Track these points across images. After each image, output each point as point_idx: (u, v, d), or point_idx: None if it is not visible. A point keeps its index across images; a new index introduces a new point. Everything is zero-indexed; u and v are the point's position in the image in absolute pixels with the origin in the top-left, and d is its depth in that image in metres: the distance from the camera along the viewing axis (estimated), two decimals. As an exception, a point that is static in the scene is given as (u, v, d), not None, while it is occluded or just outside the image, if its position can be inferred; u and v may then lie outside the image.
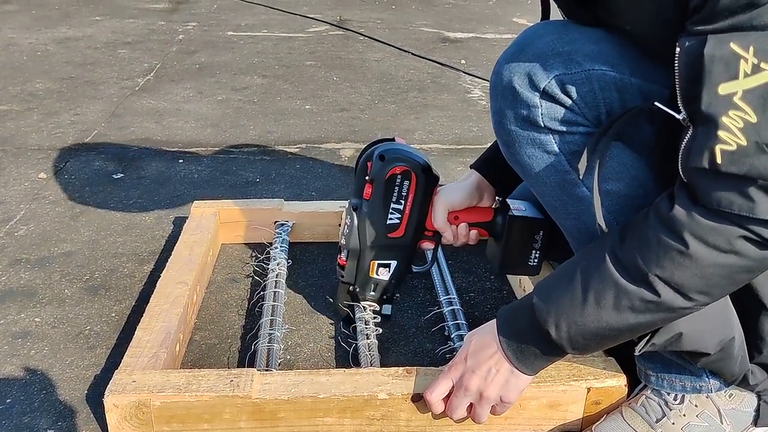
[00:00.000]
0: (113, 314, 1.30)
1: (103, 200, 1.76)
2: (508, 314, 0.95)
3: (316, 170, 1.96)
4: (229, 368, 1.13)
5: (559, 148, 0.93)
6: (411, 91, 2.70)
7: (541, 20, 1.01)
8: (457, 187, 1.16)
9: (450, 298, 1.27)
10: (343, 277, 1.16)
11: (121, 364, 1.02)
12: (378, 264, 1.15)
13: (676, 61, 0.75)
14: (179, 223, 1.57)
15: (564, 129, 0.91)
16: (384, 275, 1.16)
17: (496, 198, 1.17)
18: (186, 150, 2.10)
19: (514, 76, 0.91)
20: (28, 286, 1.38)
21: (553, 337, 0.87)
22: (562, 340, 0.87)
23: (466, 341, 0.98)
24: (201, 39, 3.41)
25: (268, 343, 1.14)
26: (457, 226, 1.13)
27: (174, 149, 2.10)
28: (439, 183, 1.14)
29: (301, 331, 1.25)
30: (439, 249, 1.39)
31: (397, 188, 1.10)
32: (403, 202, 1.11)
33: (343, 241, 1.14)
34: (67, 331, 1.24)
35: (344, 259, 1.14)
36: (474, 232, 1.13)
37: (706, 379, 0.97)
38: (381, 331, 1.17)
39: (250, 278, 1.41)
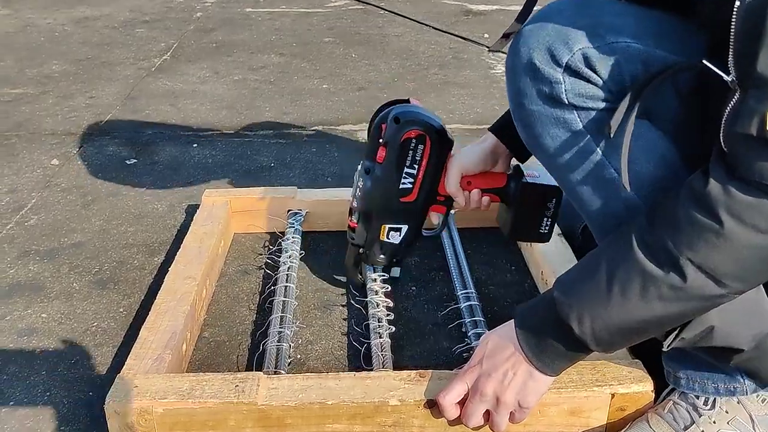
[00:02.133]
0: (121, 309, 1.26)
1: (116, 188, 1.72)
2: (527, 311, 0.90)
3: (332, 154, 1.90)
4: (237, 368, 1.10)
5: (584, 127, 0.87)
6: (432, 68, 2.63)
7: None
8: (472, 151, 1.12)
9: (468, 293, 1.21)
10: (353, 239, 1.15)
11: (123, 367, 0.99)
12: (389, 228, 1.13)
13: (734, 15, 0.68)
14: (191, 212, 1.53)
15: (590, 105, 0.86)
16: (395, 239, 1.14)
17: (511, 164, 1.13)
18: (201, 133, 2.06)
19: (534, 52, 0.86)
20: (37, 280, 1.35)
21: (576, 332, 0.82)
22: (585, 335, 0.82)
23: (482, 342, 0.93)
24: (219, 16, 3.35)
25: (278, 342, 1.09)
26: (469, 191, 1.10)
27: (188, 133, 2.06)
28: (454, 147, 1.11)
29: (312, 327, 1.20)
30: (458, 239, 1.35)
31: (411, 152, 1.06)
32: (416, 166, 1.07)
33: (354, 204, 1.12)
34: (74, 328, 1.21)
35: (355, 221, 1.13)
36: (486, 198, 1.10)
37: (741, 379, 0.91)
38: (393, 329, 1.12)
39: (262, 270, 1.37)
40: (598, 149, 0.88)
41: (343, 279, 1.32)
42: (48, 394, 1.07)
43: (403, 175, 1.09)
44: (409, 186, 1.09)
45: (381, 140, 1.07)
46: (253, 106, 2.26)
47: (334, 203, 1.47)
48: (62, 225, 1.55)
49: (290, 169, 1.82)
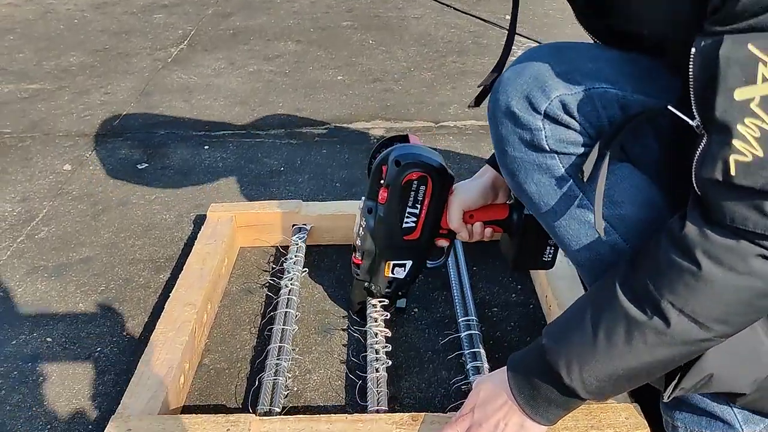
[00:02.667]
0: (125, 333, 1.27)
1: (126, 196, 1.73)
2: (519, 359, 0.89)
3: (342, 157, 1.88)
4: (236, 398, 1.11)
5: (567, 172, 0.86)
6: (450, 55, 2.58)
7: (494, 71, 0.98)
8: (472, 186, 1.11)
9: (468, 321, 1.19)
10: (358, 275, 1.16)
11: (118, 407, 1.00)
12: (393, 264, 1.14)
13: (691, 63, 0.68)
14: (199, 223, 1.53)
15: (571, 150, 0.85)
16: (399, 273, 1.15)
17: (512, 194, 1.11)
18: (212, 133, 2.05)
19: (512, 100, 0.85)
20: (44, 299, 1.37)
21: (565, 380, 0.81)
22: (574, 383, 0.80)
23: (475, 389, 0.92)
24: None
25: (274, 375, 1.09)
26: (472, 224, 1.10)
27: (200, 133, 2.05)
28: (456, 181, 1.11)
29: (312, 354, 1.20)
30: (460, 249, 1.33)
31: (413, 193, 1.07)
32: (419, 206, 1.08)
33: (358, 242, 1.12)
34: (77, 354, 1.23)
35: (359, 258, 1.13)
36: (489, 229, 1.11)
37: (739, 428, 0.89)
38: (390, 363, 1.11)
39: (266, 288, 1.37)
40: (581, 194, 0.87)
41: (344, 298, 1.31)
42: (48, 427, 1.08)
43: (406, 215, 1.09)
44: (413, 225, 1.09)
45: (382, 182, 1.06)
46: (266, 102, 2.25)
47: (338, 217, 1.45)
48: (72, 238, 1.57)
49: (299, 173, 1.81)
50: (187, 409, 1.10)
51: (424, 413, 0.96)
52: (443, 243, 1.14)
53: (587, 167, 0.81)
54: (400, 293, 1.19)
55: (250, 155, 1.91)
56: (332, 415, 0.97)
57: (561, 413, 0.86)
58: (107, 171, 1.85)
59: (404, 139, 1.12)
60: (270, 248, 1.48)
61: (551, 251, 1.10)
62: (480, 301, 1.29)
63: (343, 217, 1.45)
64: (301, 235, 1.43)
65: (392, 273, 1.14)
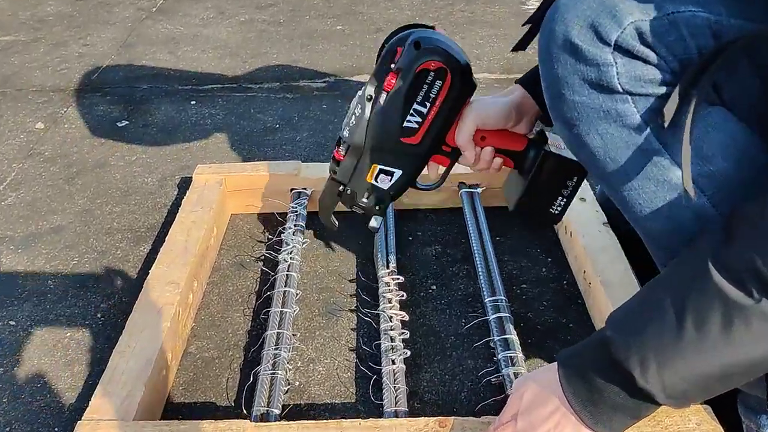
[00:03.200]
0: (99, 315, 1.11)
1: (103, 157, 1.55)
2: (573, 355, 0.72)
3: (344, 112, 1.69)
4: (227, 395, 0.95)
5: (642, 119, 0.69)
6: (458, 2, 2.38)
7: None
8: (495, 102, 0.93)
9: (496, 301, 1.03)
10: (335, 174, 0.97)
11: (87, 410, 0.84)
12: (380, 169, 0.95)
13: None
14: (185, 187, 1.36)
15: (648, 91, 0.68)
16: (384, 183, 0.96)
17: (535, 127, 0.95)
18: (200, 87, 1.86)
19: (573, 30, 0.68)
20: (9, 275, 1.20)
21: (639, 382, 0.65)
22: (650, 385, 0.65)
23: (517, 391, 0.76)
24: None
25: (272, 368, 0.93)
26: (481, 147, 0.92)
27: (187, 87, 1.86)
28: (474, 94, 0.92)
29: (316, 340, 1.04)
30: (485, 224, 1.17)
31: (425, 87, 0.88)
32: (428, 104, 0.89)
33: (345, 133, 0.93)
34: (44, 339, 1.06)
35: (342, 153, 0.95)
36: (499, 159, 0.93)
37: None
38: (409, 353, 0.95)
39: (261, 262, 1.20)
40: (659, 147, 0.70)
41: (351, 273, 1.15)
42: (8, 429, 0.92)
43: (411, 111, 0.90)
44: (415, 126, 0.91)
45: (393, 66, 0.88)
46: (259, 53, 2.05)
47: (343, 181, 1.28)
48: (42, 204, 1.39)
49: (297, 130, 1.63)
50: (170, 409, 0.93)
51: (453, 418, 0.80)
52: (440, 164, 0.95)
53: (669, 111, 0.65)
54: (377, 208, 0.99)
55: (242, 111, 1.72)
56: (342, 420, 0.81)
57: (628, 422, 0.70)
58: (83, 130, 1.67)
59: (430, 28, 0.91)
60: (265, 216, 1.31)
61: (562, 203, 0.94)
62: (506, 276, 1.13)
63: (348, 181, 1.27)
64: (301, 201, 1.26)
65: (375, 180, 0.96)
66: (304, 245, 1.18)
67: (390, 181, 0.96)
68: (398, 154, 0.93)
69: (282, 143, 1.58)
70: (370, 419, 0.81)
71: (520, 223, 1.26)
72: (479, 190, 1.28)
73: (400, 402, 0.87)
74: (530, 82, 0.94)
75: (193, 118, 1.70)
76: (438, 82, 0.88)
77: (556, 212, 0.95)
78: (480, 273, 1.10)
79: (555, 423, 0.71)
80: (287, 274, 1.09)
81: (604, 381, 0.67)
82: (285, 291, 1.06)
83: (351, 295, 1.12)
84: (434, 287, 1.13)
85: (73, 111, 1.76)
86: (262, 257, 1.21)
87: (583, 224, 1.13)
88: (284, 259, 1.12)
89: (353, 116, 0.92)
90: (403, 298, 1.04)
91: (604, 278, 1.01)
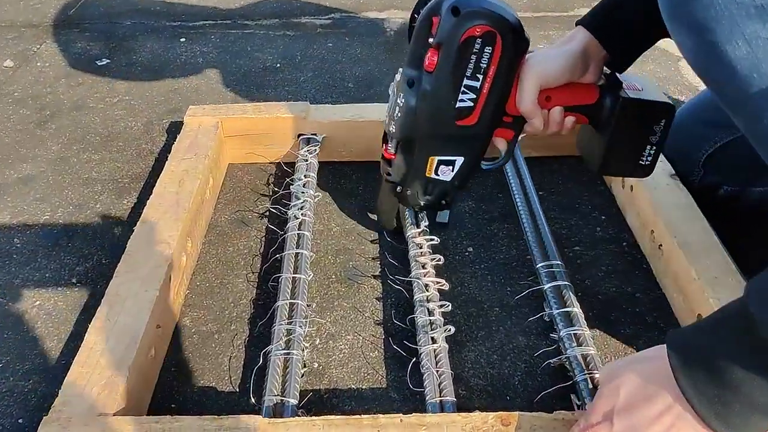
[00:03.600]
0: (74, 280, 0.93)
1: (81, 99, 1.35)
2: (692, 339, 0.56)
3: (353, 51, 1.51)
4: (230, 380, 0.78)
5: None
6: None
7: None
8: (555, 55, 0.78)
9: (550, 266, 0.86)
10: (389, 175, 0.85)
11: (56, 401, 0.67)
12: (439, 161, 0.82)
13: None
14: (173, 132, 1.18)
15: None
16: (446, 175, 0.84)
17: (603, 73, 0.80)
18: (190, 23, 1.66)
19: None
20: (-33, 233, 1.02)
21: None
22: None
23: (609, 383, 0.59)
24: None
25: (285, 347, 0.76)
26: (548, 109, 0.78)
27: (175, 23, 1.66)
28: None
29: (335, 311, 0.87)
30: (528, 175, 1.00)
31: (474, 57, 0.74)
32: (480, 77, 0.75)
33: (391, 128, 0.81)
34: (6, 312, 0.88)
35: (392, 152, 0.83)
36: (570, 118, 0.80)
37: None
38: (453, 330, 0.78)
39: (265, 218, 1.02)
40: None
41: (373, 233, 0.98)
42: (-40, 422, 0.75)
43: (462, 89, 0.76)
44: (470, 104, 0.77)
45: (431, 40, 0.74)
46: (256, -13, 1.84)
47: (359, 125, 1.10)
48: (10, 150, 1.20)
49: (301, 71, 1.44)
50: (159, 398, 0.77)
51: (518, 413, 0.64)
52: (504, 137, 0.82)
53: None
54: (443, 202, 0.88)
55: (238, 49, 1.53)
56: (378, 416, 0.65)
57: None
58: (59, 69, 1.47)
59: None
60: (269, 165, 1.13)
61: (651, 152, 0.80)
62: (554, 237, 0.96)
63: (366, 126, 1.09)
64: (311, 149, 1.08)
65: (436, 173, 0.83)
66: (316, 200, 1.01)
67: (452, 171, 0.83)
68: (456, 139, 0.80)
69: (284, 84, 1.39)
70: (414, 415, 0.65)
71: (565, 175, 1.09)
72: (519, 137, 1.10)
73: (446, 390, 0.71)
74: (594, 22, 0.79)
75: (183, 57, 1.50)
76: (487, 49, 0.73)
77: (647, 163, 0.81)
78: (527, 233, 0.93)
79: (667, 426, 0.54)
80: (298, 234, 0.92)
81: (743, 372, 0.51)
82: (297, 253, 0.89)
83: (373, 258, 0.95)
84: (470, 249, 0.96)
85: (48, 48, 1.56)
86: (267, 213, 1.03)
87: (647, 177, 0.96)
88: (294, 216, 0.94)
89: (396, 107, 0.79)
90: (441, 262, 0.86)
91: (682, 239, 0.85)
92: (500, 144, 0.82)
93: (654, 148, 0.80)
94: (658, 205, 0.91)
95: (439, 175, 0.83)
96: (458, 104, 0.76)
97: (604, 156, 0.80)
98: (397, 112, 0.79)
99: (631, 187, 0.98)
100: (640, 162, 0.81)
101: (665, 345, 0.56)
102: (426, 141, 0.80)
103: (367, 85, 1.38)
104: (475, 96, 0.76)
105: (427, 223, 0.92)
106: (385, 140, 0.84)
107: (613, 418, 0.57)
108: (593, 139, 0.82)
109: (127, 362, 0.71)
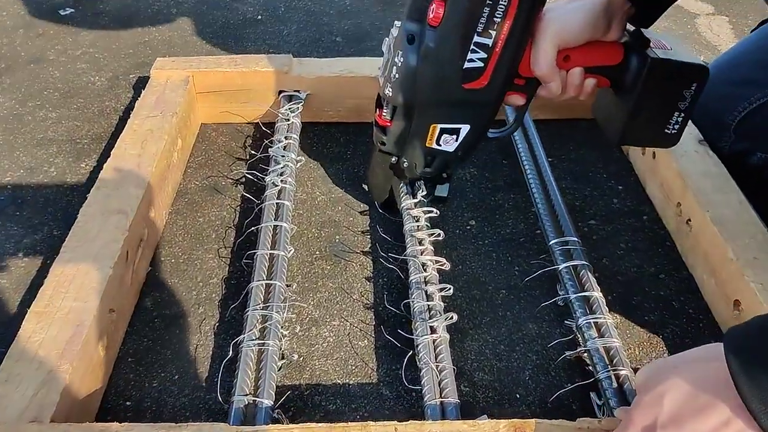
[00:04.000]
0: (20, 254, 0.81)
1: (40, 51, 1.22)
2: (761, 338, 0.45)
3: (341, 3, 1.38)
4: (197, 376, 0.67)
5: None
6: None
7: None
8: (574, 10, 0.68)
9: (565, 243, 0.75)
10: (384, 144, 0.76)
11: (-19, 405, 0.56)
12: (441, 129, 0.73)
13: None
14: (141, 88, 1.05)
15: None
16: (449, 145, 0.74)
17: (627, 29, 0.70)
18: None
19: None
20: None
21: None
22: None
23: (652, 389, 0.49)
24: None
25: (260, 336, 0.65)
26: (567, 70, 0.69)
27: (147, -30, 1.52)
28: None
29: (318, 293, 0.76)
30: (537, 139, 0.91)
31: (487, 9, 0.64)
32: (493, 33, 0.65)
33: (387, 91, 0.71)
34: (-58, 289, 0.77)
35: (387, 118, 0.74)
36: (591, 80, 0.70)
37: None
38: (455, 318, 0.67)
39: (241, 185, 0.91)
40: None
41: (363, 203, 0.87)
42: None
43: (472, 47, 0.66)
44: (480, 65, 0.67)
45: None
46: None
47: (349, 82, 0.98)
48: (-45, 107, 1.08)
49: (284, 23, 1.31)
50: (112, 397, 0.66)
51: (534, 421, 0.54)
52: (517, 100, 0.72)
53: None
54: (444, 175, 0.79)
55: (215, -1, 1.40)
56: (369, 423, 0.54)
57: None
58: (16, 18, 1.34)
59: None
60: (246, 126, 1.02)
61: (679, 119, 0.70)
62: (568, 209, 0.85)
63: (357, 82, 0.98)
64: (294, 107, 0.96)
65: (437, 143, 0.74)
66: (299, 165, 0.89)
67: (456, 140, 0.74)
68: (462, 105, 0.71)
69: (266, 37, 1.26)
70: (411, 423, 0.54)
71: (578, 140, 0.98)
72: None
73: (448, 390, 0.60)
74: None
75: (155, 6, 1.37)
76: (502, 1, 0.64)
77: (673, 132, 0.71)
78: (538, 205, 0.82)
79: None
80: (278, 203, 0.80)
81: None
82: (275, 226, 0.77)
83: (363, 232, 0.84)
84: (473, 222, 0.85)
85: (4, -5, 1.42)
86: (243, 179, 0.92)
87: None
88: (273, 183, 0.83)
89: (393, 67, 0.70)
90: (440, 238, 0.75)
91: (715, 214, 0.74)
92: (514, 101, 0.72)
93: (682, 114, 0.70)
94: (686, 175, 0.80)
95: (441, 145, 0.74)
96: (466, 64, 0.67)
97: (627, 124, 0.71)
98: (394, 72, 0.69)
99: (654, 153, 0.87)
100: (666, 131, 0.71)
101: (722, 344, 0.46)
102: (427, 106, 0.71)
103: (358, 40, 1.26)
104: (486, 55, 0.66)
105: (425, 193, 0.81)
106: (378, 105, 0.75)
107: (661, 428, 0.46)
108: (614, 104, 0.73)
109: (71, 355, 0.60)
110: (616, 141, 0.73)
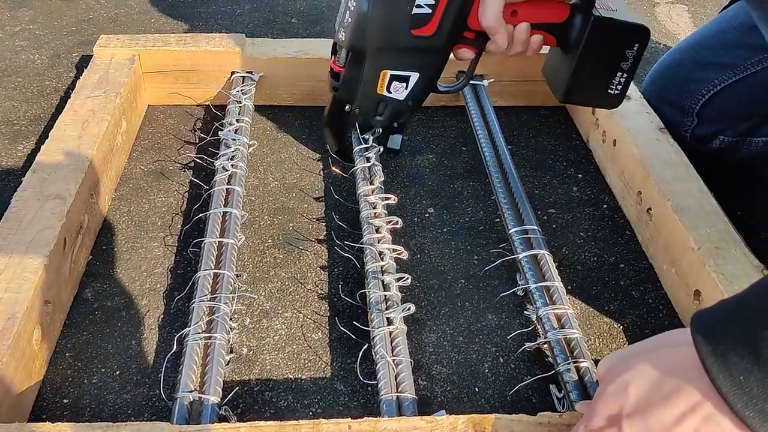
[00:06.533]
0: (-50, 242, 0.76)
1: (-26, 25, 1.16)
2: (729, 322, 0.43)
3: (298, -17, 1.34)
4: (138, 368, 0.63)
5: None
6: None
7: None
8: None
9: (525, 232, 0.74)
10: (336, 90, 0.79)
11: None
12: (392, 75, 0.77)
13: None
14: (84, 67, 1.00)
15: None
16: (398, 93, 0.79)
17: None
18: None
19: None
20: None
21: None
22: None
23: (615, 378, 0.47)
24: None
25: (207, 328, 0.62)
26: (514, 25, 0.72)
27: (93, -55, 1.45)
28: None
29: (270, 284, 0.73)
30: (497, 125, 0.89)
31: None
32: None
33: (341, 36, 0.75)
34: None
35: (341, 64, 0.77)
36: (538, 36, 0.74)
37: None
38: (413, 309, 0.64)
39: (189, 170, 0.87)
40: None
41: (317, 189, 0.84)
42: None
43: None
44: (428, 11, 0.71)
45: None
46: None
47: (302, 63, 0.95)
48: None
49: (237, 3, 1.27)
50: (47, 395, 0.62)
51: (493, 416, 0.52)
52: (466, 54, 0.75)
53: None
54: (395, 124, 0.82)
55: (165, -24, 1.34)
56: (321, 420, 0.51)
57: None
58: (-50, -10, 1.26)
59: None
60: (196, 108, 0.97)
61: (622, 80, 0.74)
62: (528, 197, 0.83)
63: (313, 64, 0.94)
64: (246, 89, 0.92)
65: (388, 90, 0.78)
66: (251, 149, 0.86)
67: (406, 88, 0.78)
68: (411, 52, 0.75)
69: (218, 17, 1.22)
70: (366, 420, 0.52)
71: (536, 127, 0.97)
72: (486, 82, 0.97)
73: (405, 384, 0.58)
74: None
75: (101, -17, 1.31)
76: None
77: (616, 92, 0.75)
78: (498, 193, 0.80)
79: (695, 427, 0.42)
80: (228, 188, 0.77)
81: None
82: (225, 212, 0.74)
83: (318, 220, 0.80)
84: (431, 210, 0.83)
85: (-62, -33, 1.34)
86: (192, 164, 0.87)
87: (633, 129, 0.84)
88: (223, 167, 0.79)
89: (347, 12, 0.73)
90: (398, 226, 0.73)
91: (677, 203, 0.73)
92: (462, 55, 0.75)
93: (625, 75, 0.74)
94: (647, 163, 0.79)
95: (391, 93, 0.78)
96: (414, 10, 0.71)
97: (570, 80, 0.74)
98: (347, 17, 0.72)
99: (615, 140, 0.86)
100: (609, 90, 0.75)
101: (686, 330, 0.44)
102: (378, 52, 0.74)
103: (313, 21, 1.22)
104: (433, 2, 0.70)
105: (382, 179, 0.78)
106: (334, 51, 0.77)
107: (622, 423, 0.45)
108: (560, 62, 0.76)
109: (1, 350, 0.55)
110: (560, 98, 0.76)
